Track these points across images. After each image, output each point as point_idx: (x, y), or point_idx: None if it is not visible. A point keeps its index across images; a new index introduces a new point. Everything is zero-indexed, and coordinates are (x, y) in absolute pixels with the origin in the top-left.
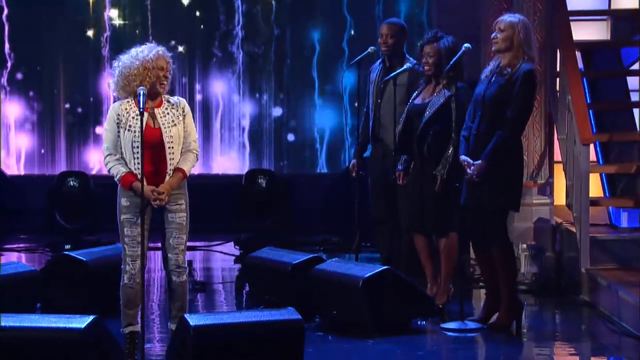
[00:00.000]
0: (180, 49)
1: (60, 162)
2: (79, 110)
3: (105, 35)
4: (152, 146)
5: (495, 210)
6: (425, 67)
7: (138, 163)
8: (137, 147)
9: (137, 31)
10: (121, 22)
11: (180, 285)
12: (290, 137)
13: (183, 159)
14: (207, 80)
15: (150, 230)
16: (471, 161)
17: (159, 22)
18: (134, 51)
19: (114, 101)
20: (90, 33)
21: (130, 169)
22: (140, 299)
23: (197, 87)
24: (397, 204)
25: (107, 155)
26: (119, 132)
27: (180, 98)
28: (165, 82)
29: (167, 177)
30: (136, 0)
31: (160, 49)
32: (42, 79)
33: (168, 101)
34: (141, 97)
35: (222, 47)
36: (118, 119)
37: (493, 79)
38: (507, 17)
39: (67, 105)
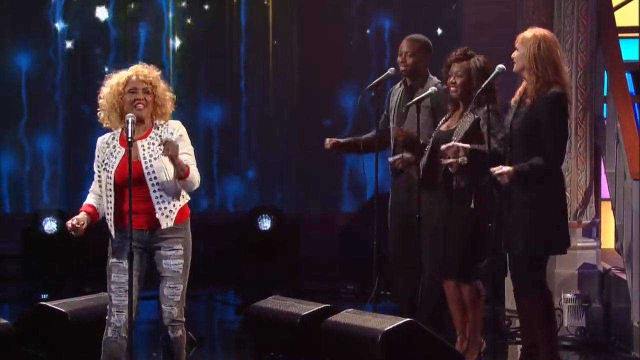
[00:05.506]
0: None
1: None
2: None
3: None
4: (132, 182)
5: (530, 254)
6: (451, 88)
7: (110, 207)
8: (110, 189)
9: None
10: None
11: (176, 341)
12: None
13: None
14: None
15: (145, 277)
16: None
17: None
18: (109, 78)
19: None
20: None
21: (96, 204)
22: (128, 357)
23: None
24: (421, 246)
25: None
26: (99, 171)
27: (173, 121)
28: (142, 106)
29: (163, 223)
30: None
31: (139, 67)
32: None
33: (157, 128)
34: (129, 125)
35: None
36: (97, 155)
37: (517, 106)
38: (526, 32)
39: None
